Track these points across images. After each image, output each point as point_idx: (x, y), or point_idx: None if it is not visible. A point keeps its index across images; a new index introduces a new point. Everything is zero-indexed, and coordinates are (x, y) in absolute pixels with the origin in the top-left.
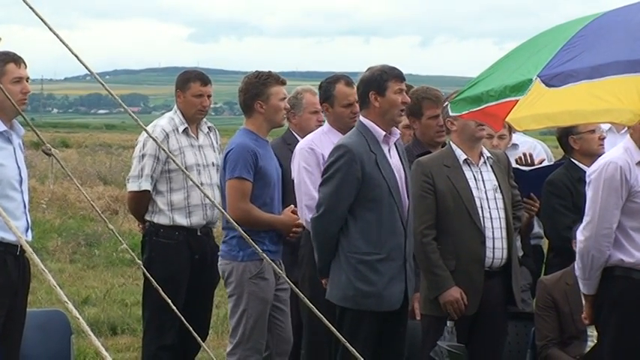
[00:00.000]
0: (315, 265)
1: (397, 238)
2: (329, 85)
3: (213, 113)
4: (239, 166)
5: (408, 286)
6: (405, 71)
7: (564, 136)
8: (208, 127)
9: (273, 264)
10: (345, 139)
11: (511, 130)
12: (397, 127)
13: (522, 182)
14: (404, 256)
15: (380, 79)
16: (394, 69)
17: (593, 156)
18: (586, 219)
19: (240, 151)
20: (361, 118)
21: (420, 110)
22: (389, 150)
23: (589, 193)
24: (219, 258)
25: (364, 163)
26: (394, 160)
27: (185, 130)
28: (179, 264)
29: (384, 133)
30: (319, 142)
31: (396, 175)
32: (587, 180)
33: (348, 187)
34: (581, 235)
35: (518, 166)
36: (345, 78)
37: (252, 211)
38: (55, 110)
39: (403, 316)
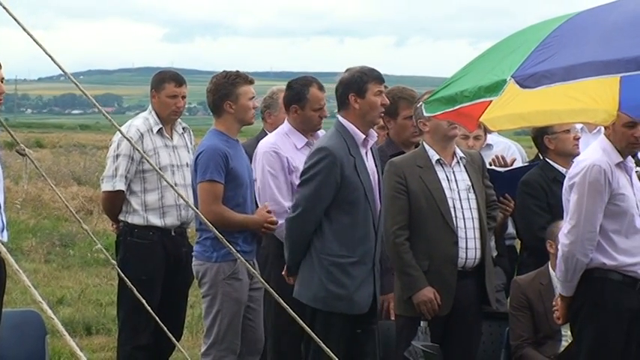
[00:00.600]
0: (281, 267)
1: (369, 242)
2: (302, 87)
3: (187, 113)
4: (210, 168)
5: (377, 289)
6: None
7: (539, 136)
8: (183, 128)
9: (247, 264)
10: (326, 142)
11: (486, 130)
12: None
13: (497, 183)
14: (373, 260)
15: (360, 81)
16: (374, 71)
17: (568, 156)
18: (570, 222)
19: (211, 153)
20: (340, 119)
21: (396, 110)
22: (366, 153)
23: (573, 196)
24: (193, 259)
25: (344, 167)
26: (370, 163)
27: (160, 131)
28: (153, 264)
29: (363, 136)
30: (282, 145)
31: (371, 178)
32: (569, 182)
33: (327, 190)
34: (565, 239)
35: (493, 167)
36: (316, 81)
37: (225, 213)
38: (29, 110)
39: (373, 318)
